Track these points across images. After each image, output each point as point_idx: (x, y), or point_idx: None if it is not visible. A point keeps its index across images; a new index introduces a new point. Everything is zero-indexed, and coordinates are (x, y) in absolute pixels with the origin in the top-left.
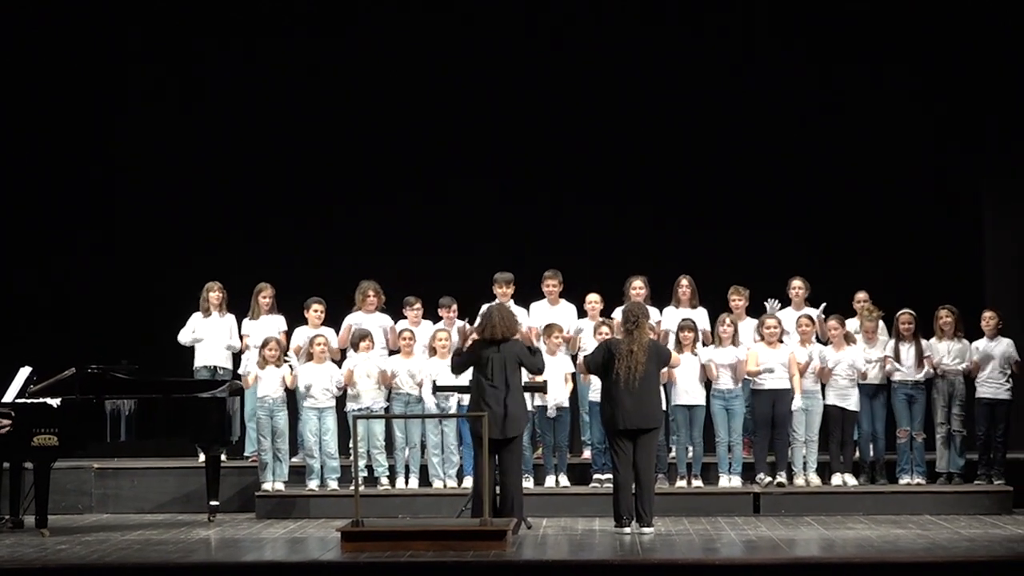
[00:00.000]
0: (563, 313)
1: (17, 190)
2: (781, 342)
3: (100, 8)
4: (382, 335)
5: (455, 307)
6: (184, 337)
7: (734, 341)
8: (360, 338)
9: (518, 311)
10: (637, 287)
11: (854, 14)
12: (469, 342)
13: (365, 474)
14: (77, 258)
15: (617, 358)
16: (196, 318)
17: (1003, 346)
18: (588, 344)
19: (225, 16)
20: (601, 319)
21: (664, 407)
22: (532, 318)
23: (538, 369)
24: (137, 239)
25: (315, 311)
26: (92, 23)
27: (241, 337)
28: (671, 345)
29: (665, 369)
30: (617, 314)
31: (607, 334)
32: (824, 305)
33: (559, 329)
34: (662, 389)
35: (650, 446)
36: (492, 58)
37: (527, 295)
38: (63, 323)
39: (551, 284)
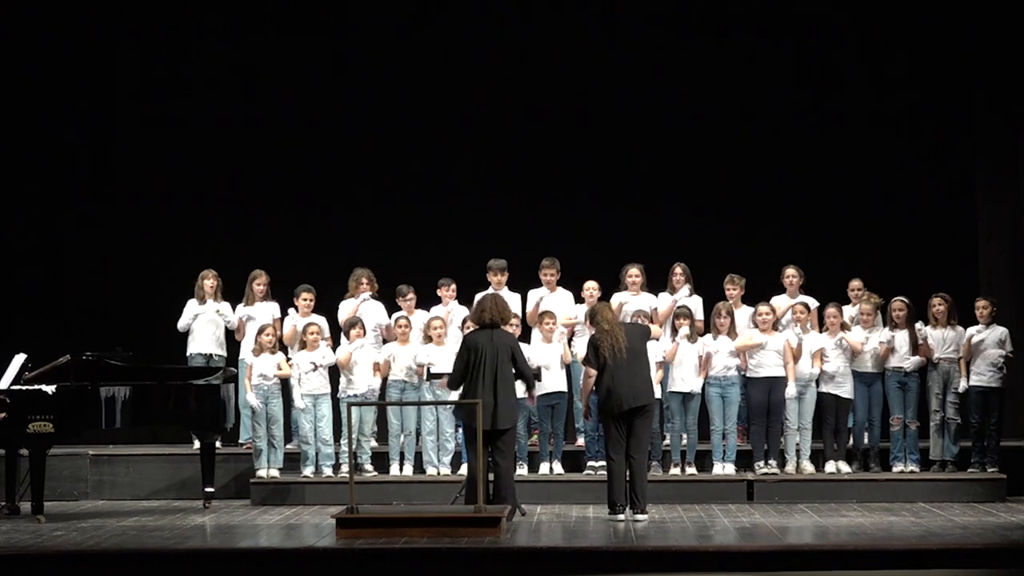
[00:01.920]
0: (561, 300)
1: (15, 183)
2: (776, 329)
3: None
4: (373, 322)
5: (454, 287)
6: (183, 323)
7: (732, 330)
8: (351, 326)
9: (512, 297)
10: (633, 274)
11: (849, 4)
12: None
13: (362, 460)
14: (74, 248)
15: (600, 344)
16: (192, 305)
17: (996, 334)
18: (582, 329)
19: (222, 12)
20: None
21: (658, 394)
22: (530, 306)
23: (528, 376)
24: (134, 228)
25: (304, 299)
26: (88, 13)
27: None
28: (666, 332)
29: (660, 349)
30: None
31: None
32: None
33: (551, 316)
34: (653, 369)
35: (643, 432)
36: (489, 51)
37: (526, 284)
38: (59, 312)
39: (548, 272)
